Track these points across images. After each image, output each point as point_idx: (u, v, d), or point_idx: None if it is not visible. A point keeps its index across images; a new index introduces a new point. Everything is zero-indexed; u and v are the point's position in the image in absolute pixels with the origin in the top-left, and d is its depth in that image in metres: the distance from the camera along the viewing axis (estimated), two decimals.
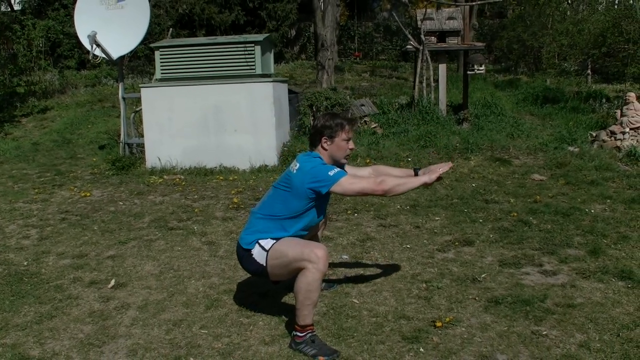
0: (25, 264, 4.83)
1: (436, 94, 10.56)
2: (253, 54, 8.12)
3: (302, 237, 3.48)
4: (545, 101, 12.73)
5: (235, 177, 7.67)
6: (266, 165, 8.06)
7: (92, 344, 3.41)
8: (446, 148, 8.38)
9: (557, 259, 4.55)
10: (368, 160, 7.88)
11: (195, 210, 6.26)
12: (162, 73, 8.35)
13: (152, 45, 8.66)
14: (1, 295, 4.16)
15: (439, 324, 3.49)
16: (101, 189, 7.39)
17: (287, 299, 3.96)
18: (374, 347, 3.28)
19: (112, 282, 4.33)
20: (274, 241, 3.35)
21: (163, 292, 4.15)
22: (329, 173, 3.31)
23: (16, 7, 21.77)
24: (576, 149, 8.19)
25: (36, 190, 7.34)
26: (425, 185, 3.47)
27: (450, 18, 10.02)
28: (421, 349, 3.24)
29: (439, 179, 3.47)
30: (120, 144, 9.01)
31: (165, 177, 7.78)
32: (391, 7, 26.08)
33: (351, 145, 3.53)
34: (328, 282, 4.15)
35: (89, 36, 8.35)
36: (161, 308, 3.88)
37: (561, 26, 16.07)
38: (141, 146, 8.76)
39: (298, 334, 3.23)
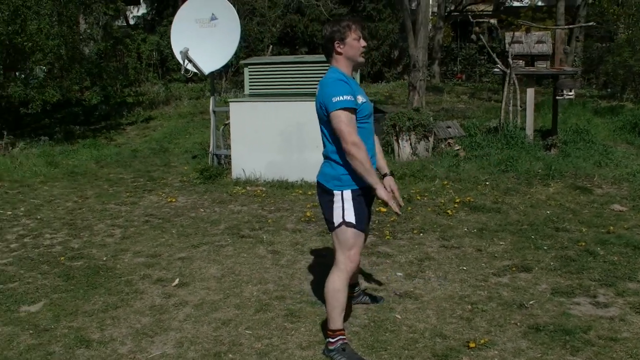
0: (104, 259, 5.29)
1: (523, 118, 10.40)
2: None
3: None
4: None
5: (314, 191, 7.88)
6: None
7: (145, 333, 3.74)
8: (527, 173, 8.25)
9: (614, 291, 4.44)
10: (446, 182, 7.91)
11: (269, 220, 6.55)
12: (250, 89, 8.77)
13: (241, 62, 9.13)
14: (77, 285, 4.62)
15: (472, 344, 3.54)
16: (187, 195, 7.86)
17: None
18: None
19: (176, 281, 4.68)
20: (353, 210, 3.41)
21: (220, 294, 4.44)
22: (332, 99, 3.32)
23: (131, 22, 23.36)
24: None
25: (128, 194, 7.92)
26: (373, 190, 3.41)
27: (539, 42, 9.88)
28: None
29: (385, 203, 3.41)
30: (210, 154, 9.52)
31: (247, 188, 8.15)
32: (483, 30, 25.69)
33: (363, 43, 3.51)
34: (374, 297, 4.29)
35: (180, 52, 8.88)
36: (214, 307, 4.17)
37: None
38: (228, 157, 9.21)
39: (330, 339, 3.41)
